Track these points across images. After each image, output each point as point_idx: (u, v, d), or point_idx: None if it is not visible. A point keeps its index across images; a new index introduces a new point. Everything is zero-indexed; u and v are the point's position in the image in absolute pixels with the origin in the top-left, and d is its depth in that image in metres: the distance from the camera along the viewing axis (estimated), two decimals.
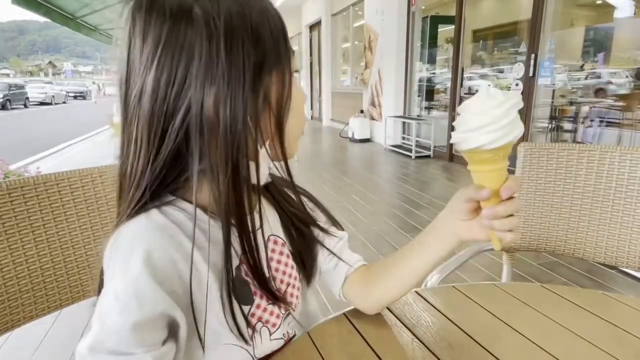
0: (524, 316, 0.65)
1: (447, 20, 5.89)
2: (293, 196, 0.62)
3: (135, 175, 0.45)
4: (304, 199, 0.65)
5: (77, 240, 0.83)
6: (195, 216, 0.45)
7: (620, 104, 3.97)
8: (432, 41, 6.38)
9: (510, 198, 0.48)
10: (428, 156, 5.77)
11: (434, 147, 5.78)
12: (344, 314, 0.65)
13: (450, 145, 5.46)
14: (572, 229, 1.09)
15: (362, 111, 7.62)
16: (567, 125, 4.56)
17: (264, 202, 0.59)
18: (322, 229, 0.65)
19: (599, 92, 4.35)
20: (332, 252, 0.65)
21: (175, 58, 0.42)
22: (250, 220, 0.47)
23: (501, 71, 5.90)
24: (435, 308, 0.67)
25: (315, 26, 10.80)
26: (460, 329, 0.62)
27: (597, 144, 3.00)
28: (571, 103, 4.61)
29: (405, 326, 0.62)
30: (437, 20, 6.21)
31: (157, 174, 0.45)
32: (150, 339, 0.42)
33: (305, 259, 0.62)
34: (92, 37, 8.17)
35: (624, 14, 4.53)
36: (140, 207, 0.46)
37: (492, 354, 0.56)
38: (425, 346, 0.57)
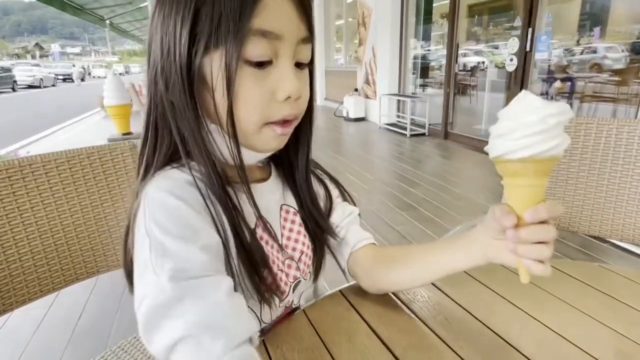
0: (520, 289, 0.65)
1: None
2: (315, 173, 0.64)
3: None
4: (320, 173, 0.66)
5: (67, 223, 0.81)
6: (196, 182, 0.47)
7: (616, 78, 3.95)
8: (427, 17, 6.27)
9: (543, 223, 0.41)
10: (423, 134, 5.74)
11: (429, 124, 5.76)
12: (339, 291, 0.65)
13: (446, 123, 5.44)
14: (567, 203, 1.09)
15: (356, 90, 7.54)
16: (563, 101, 4.55)
17: (274, 174, 0.60)
18: (331, 204, 0.65)
19: (595, 66, 4.32)
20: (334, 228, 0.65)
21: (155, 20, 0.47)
22: (246, 190, 0.49)
23: (496, 47, 5.83)
24: (432, 283, 0.67)
25: None
26: (457, 303, 0.61)
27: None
28: (567, 78, 4.57)
29: (402, 302, 0.62)
30: None
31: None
32: (220, 263, 0.45)
33: (315, 232, 0.62)
34: (79, 17, 7.97)
35: None
36: (161, 166, 0.49)
37: (488, 327, 0.55)
38: (422, 321, 0.57)
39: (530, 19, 4.05)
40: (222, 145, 0.48)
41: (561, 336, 0.54)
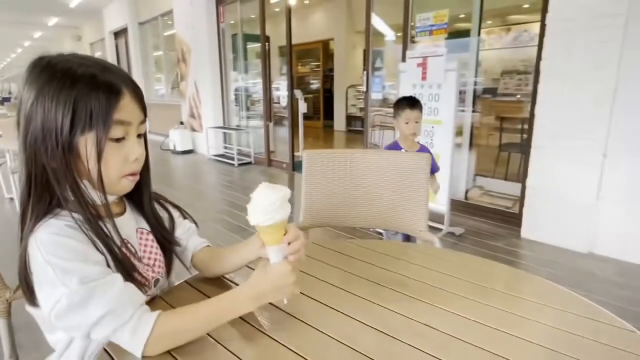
0: (317, 287, 1.03)
1: (254, 38, 6.31)
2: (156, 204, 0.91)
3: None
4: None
5: None
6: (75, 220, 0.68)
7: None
8: (244, 55, 6.74)
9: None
10: (250, 162, 6.17)
11: (254, 153, 6.21)
12: (185, 281, 0.93)
13: (268, 152, 5.98)
14: (346, 207, 1.58)
15: (182, 122, 7.55)
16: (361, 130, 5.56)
17: (129, 207, 0.85)
18: (174, 222, 0.93)
19: (383, 102, 5.52)
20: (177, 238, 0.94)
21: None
22: (112, 223, 0.73)
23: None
24: None
25: (120, 33, 10.08)
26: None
27: (356, 148, 3.89)
28: (360, 110, 5.62)
29: (230, 281, 0.94)
30: (244, 38, 6.60)
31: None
32: (108, 270, 0.67)
33: (165, 243, 0.88)
34: None
35: (391, 39, 5.85)
36: (41, 218, 0.67)
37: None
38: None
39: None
40: (93, 195, 0.71)
41: (313, 298, 0.93)
